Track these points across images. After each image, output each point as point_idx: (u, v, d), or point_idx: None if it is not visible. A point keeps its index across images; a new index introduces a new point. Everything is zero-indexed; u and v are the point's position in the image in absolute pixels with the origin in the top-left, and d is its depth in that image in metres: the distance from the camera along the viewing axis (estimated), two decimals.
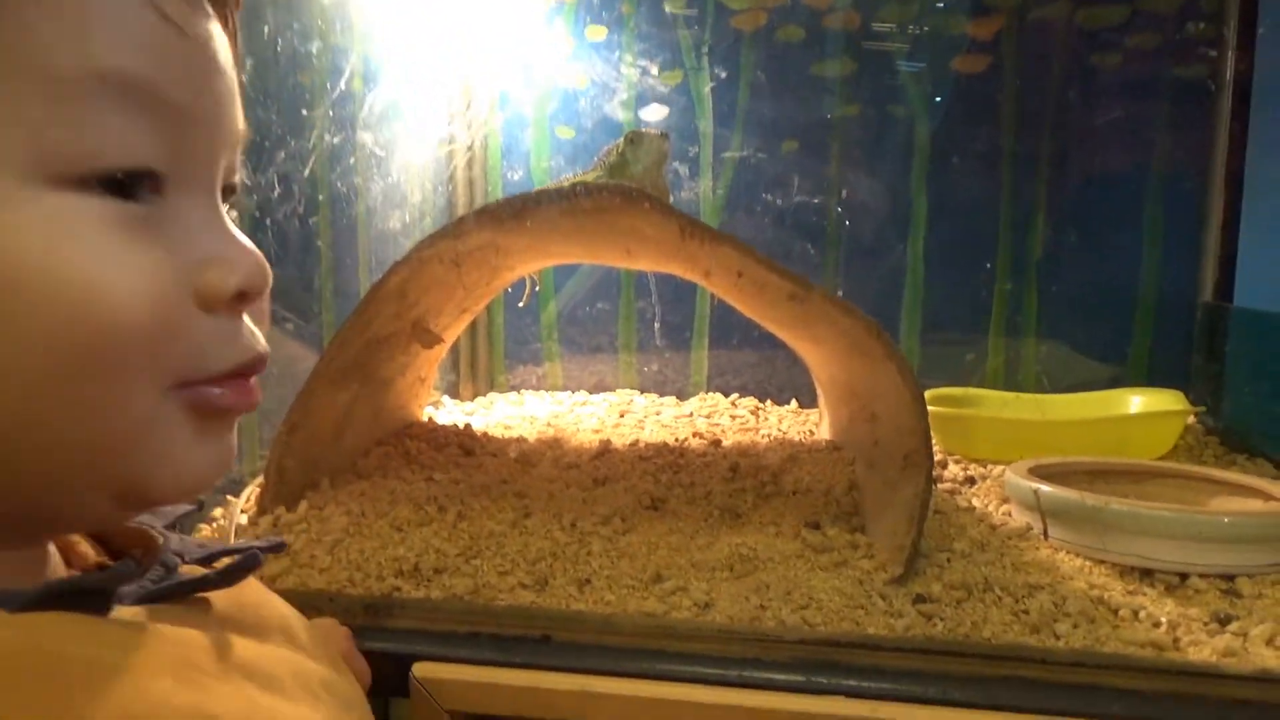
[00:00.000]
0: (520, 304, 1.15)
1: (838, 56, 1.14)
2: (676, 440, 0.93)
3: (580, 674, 0.54)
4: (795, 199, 1.17)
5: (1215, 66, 1.07)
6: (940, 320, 1.16)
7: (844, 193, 1.17)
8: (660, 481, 0.78)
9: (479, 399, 1.20)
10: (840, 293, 1.17)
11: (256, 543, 0.39)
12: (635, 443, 0.92)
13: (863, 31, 1.13)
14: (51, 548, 0.33)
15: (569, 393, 1.22)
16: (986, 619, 0.55)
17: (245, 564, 0.34)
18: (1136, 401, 0.97)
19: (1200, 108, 1.08)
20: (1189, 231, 1.10)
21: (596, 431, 0.98)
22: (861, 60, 1.14)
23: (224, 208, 0.32)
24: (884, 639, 0.54)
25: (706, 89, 1.16)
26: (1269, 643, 0.52)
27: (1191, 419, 0.99)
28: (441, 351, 0.97)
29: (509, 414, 1.09)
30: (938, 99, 1.14)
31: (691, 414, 1.09)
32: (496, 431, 0.97)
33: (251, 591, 0.37)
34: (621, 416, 1.07)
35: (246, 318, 0.32)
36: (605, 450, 0.88)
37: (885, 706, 0.50)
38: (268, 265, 0.32)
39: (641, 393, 1.21)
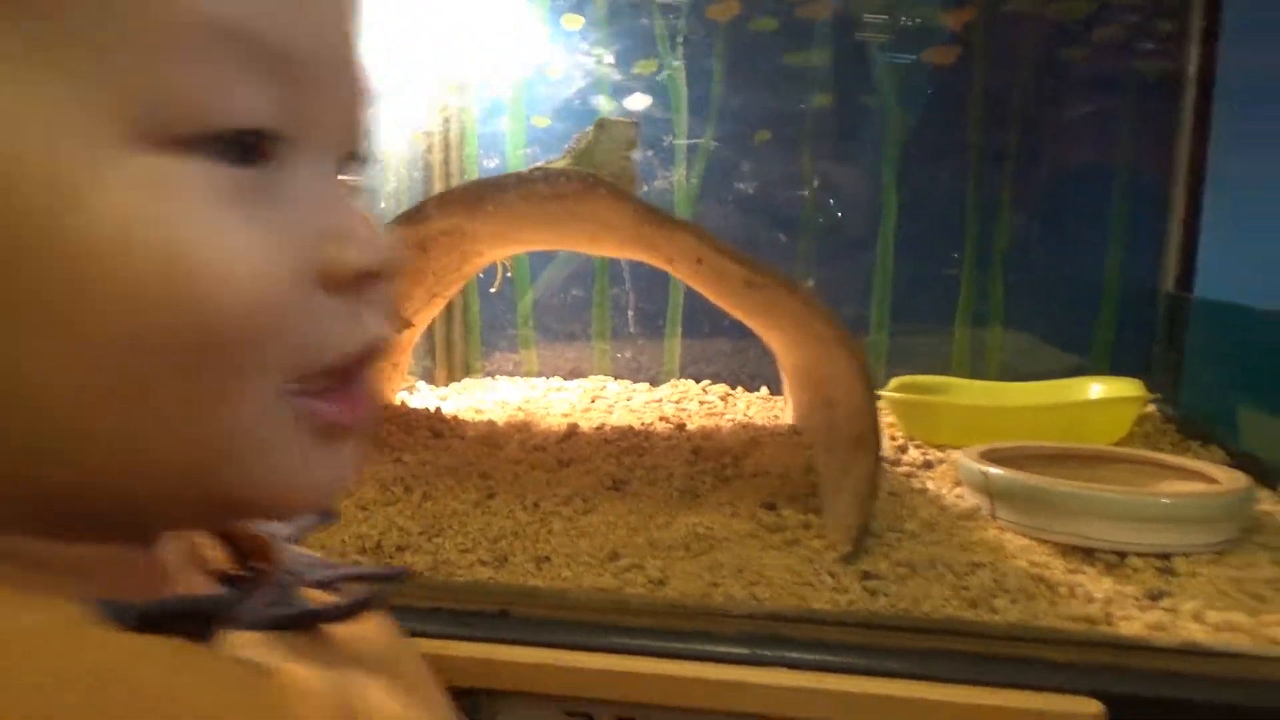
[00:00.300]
0: (491, 289, 1.16)
1: (811, 47, 1.16)
2: (642, 424, 0.94)
3: (536, 647, 0.55)
4: (768, 189, 1.19)
5: (1179, 61, 1.09)
6: (910, 309, 1.18)
7: (816, 182, 1.18)
8: (623, 464, 0.80)
9: (453, 384, 1.22)
10: (811, 282, 1.18)
11: (379, 570, 0.37)
12: (601, 426, 0.93)
13: (837, 22, 1.15)
14: (171, 542, 0.29)
15: (543, 379, 1.24)
16: (928, 594, 0.57)
17: (366, 601, 0.32)
18: (1096, 389, 0.99)
19: (1164, 101, 1.10)
20: (1152, 223, 1.12)
21: (566, 415, 1.00)
22: (835, 51, 1.15)
23: (345, 178, 0.28)
24: (827, 613, 0.55)
25: (681, 78, 1.17)
26: (1196, 618, 0.54)
27: (1151, 407, 1.01)
28: (413, 336, 0.98)
29: (482, 399, 1.11)
30: (910, 91, 1.15)
31: (661, 399, 1.11)
32: (468, 415, 0.98)
33: (364, 623, 0.34)
34: (593, 402, 1.09)
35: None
36: (572, 433, 0.89)
37: (827, 678, 0.52)
38: (399, 245, 0.28)
39: (615, 379, 1.22)
